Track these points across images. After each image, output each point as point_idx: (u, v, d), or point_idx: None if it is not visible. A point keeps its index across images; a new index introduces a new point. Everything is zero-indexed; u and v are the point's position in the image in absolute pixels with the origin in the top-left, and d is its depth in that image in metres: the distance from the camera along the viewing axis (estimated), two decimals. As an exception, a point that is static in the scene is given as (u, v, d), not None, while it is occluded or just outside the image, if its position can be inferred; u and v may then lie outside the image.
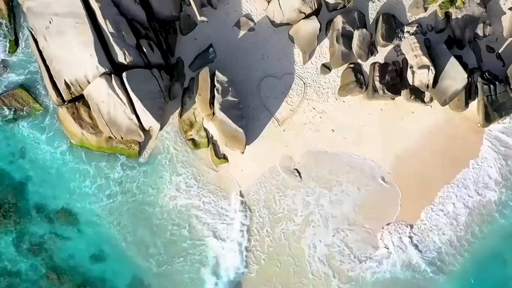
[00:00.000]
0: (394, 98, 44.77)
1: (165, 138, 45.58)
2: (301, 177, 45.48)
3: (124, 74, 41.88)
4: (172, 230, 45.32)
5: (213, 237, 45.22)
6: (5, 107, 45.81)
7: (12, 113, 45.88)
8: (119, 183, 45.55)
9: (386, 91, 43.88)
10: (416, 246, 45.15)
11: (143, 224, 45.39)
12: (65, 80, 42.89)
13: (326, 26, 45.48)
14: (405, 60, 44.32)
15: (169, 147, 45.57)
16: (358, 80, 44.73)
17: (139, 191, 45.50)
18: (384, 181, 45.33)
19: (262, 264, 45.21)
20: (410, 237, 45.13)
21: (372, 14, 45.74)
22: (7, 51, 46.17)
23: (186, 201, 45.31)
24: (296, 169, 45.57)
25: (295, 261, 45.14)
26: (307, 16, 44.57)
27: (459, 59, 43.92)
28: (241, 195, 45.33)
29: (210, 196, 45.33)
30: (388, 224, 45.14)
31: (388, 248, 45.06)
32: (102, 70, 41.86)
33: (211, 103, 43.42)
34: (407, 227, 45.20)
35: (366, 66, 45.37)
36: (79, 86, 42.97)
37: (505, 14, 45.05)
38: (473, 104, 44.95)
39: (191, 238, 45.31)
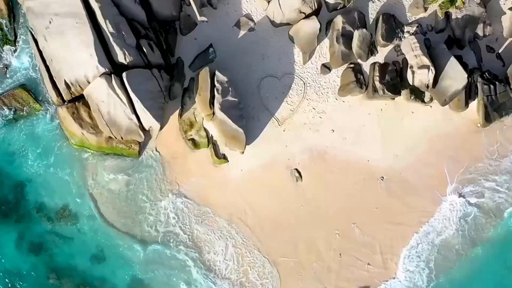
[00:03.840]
0: (394, 98, 44.77)
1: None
2: (301, 177, 45.47)
3: (124, 74, 41.88)
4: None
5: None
6: (5, 107, 45.84)
7: (12, 113, 45.91)
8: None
9: (386, 91, 43.89)
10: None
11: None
12: (65, 80, 42.91)
13: (326, 26, 45.47)
14: (405, 60, 44.31)
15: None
16: (358, 80, 44.73)
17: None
18: (383, 180, 45.44)
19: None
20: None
21: (372, 14, 45.73)
22: (7, 51, 46.20)
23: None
24: (296, 169, 45.57)
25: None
26: (307, 16, 44.56)
27: (459, 59, 43.90)
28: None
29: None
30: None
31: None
32: (102, 70, 41.87)
33: (211, 103, 43.42)
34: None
35: (366, 66, 45.36)
36: (79, 86, 42.98)
37: (505, 14, 45.00)
38: (473, 104, 44.95)
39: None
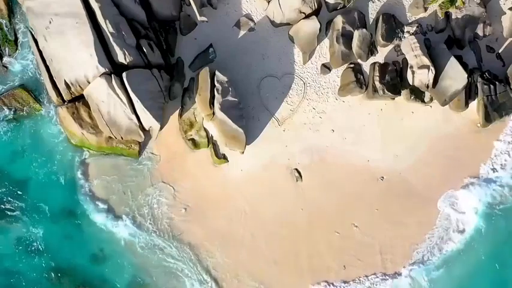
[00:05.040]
0: (394, 98, 44.78)
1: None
2: (301, 177, 45.46)
3: (124, 74, 41.89)
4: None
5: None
6: (5, 107, 45.85)
7: (12, 113, 45.92)
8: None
9: (386, 91, 43.90)
10: None
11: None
12: (65, 80, 42.92)
13: (326, 26, 45.48)
14: (405, 60, 44.32)
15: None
16: (358, 80, 44.74)
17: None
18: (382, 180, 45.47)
19: None
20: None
21: (372, 14, 45.74)
22: (7, 52, 46.22)
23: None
24: (296, 169, 45.56)
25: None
26: (307, 16, 44.57)
27: (459, 59, 43.92)
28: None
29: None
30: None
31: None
32: (102, 70, 41.88)
33: (211, 103, 43.43)
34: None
35: (366, 66, 45.36)
36: (79, 86, 42.99)
37: (505, 14, 45.03)
38: (473, 104, 44.96)
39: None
